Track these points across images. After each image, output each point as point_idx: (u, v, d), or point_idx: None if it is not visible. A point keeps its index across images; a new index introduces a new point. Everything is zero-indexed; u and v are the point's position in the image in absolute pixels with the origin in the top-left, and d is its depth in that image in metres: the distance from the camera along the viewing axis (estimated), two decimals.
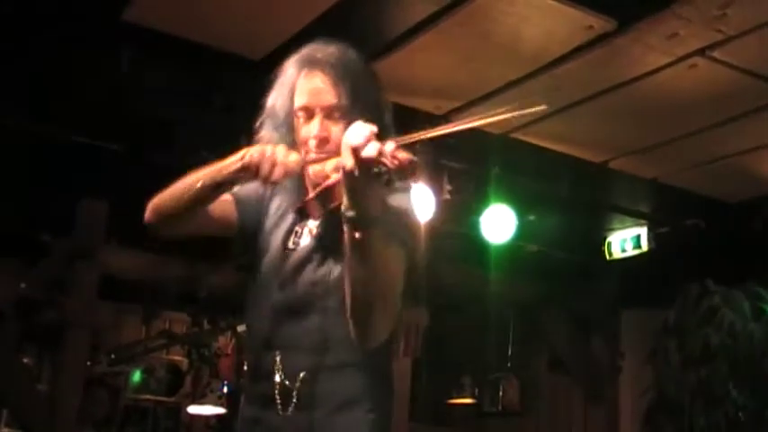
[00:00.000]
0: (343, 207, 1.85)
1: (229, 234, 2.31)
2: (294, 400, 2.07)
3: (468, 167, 5.59)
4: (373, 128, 1.79)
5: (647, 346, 6.69)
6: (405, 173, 1.80)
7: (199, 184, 2.11)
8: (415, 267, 2.08)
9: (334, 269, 2.08)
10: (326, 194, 2.00)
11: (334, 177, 1.94)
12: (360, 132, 1.78)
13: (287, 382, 2.08)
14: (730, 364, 6.05)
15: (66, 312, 4.95)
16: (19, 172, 5.07)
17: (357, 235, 1.84)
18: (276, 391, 2.09)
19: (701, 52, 4.26)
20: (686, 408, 6.18)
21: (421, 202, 5.03)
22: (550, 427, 7.66)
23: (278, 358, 2.10)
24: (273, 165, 1.98)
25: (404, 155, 1.78)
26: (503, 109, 1.91)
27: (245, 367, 2.25)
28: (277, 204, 2.28)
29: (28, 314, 5.12)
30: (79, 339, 5.03)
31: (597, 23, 4.08)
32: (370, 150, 1.75)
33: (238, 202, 2.28)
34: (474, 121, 1.92)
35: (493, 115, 1.90)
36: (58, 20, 4.09)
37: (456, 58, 4.43)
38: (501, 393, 7.85)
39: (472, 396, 8.02)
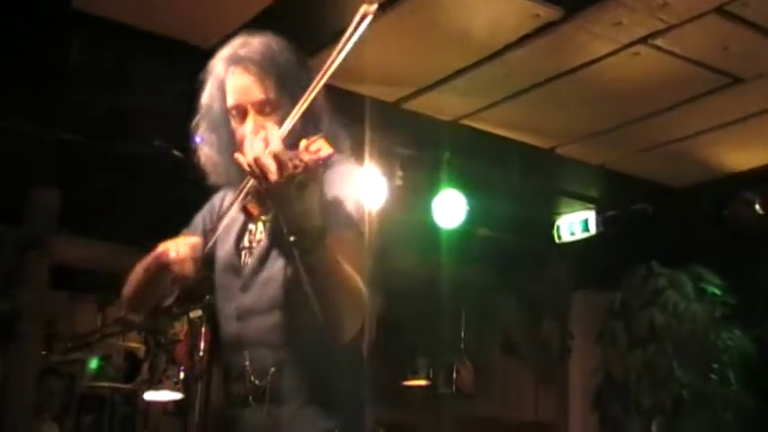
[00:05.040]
0: (285, 233, 1.84)
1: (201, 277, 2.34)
2: (267, 397, 2.07)
3: (419, 154, 5.62)
4: (272, 148, 1.77)
5: (596, 327, 6.77)
6: (315, 172, 1.78)
7: (141, 278, 2.27)
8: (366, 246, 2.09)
9: (288, 266, 2.07)
10: (266, 194, 1.95)
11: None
12: (260, 161, 1.77)
13: (257, 381, 2.09)
14: (674, 343, 6.15)
15: (19, 303, 4.90)
16: None
17: (309, 259, 1.84)
18: (249, 390, 2.10)
19: (644, 40, 4.33)
20: (633, 386, 6.28)
21: (372, 187, 5.05)
22: (503, 407, 7.71)
23: (247, 358, 2.11)
24: (182, 263, 2.14)
25: (307, 155, 1.76)
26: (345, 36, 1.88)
27: (224, 368, 2.23)
28: (224, 216, 2.27)
29: None
30: (32, 329, 4.98)
31: (544, 12, 4.12)
32: (273, 173, 1.74)
33: None
34: (327, 70, 1.90)
35: (343, 46, 1.88)
36: (7, 8, 4.04)
37: (406, 47, 4.45)
38: (455, 375, 7.86)
39: (427, 378, 8.01)
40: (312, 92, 1.93)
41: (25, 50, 4.31)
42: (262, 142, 1.78)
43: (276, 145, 1.75)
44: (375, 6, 1.85)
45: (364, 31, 1.87)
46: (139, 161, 4.97)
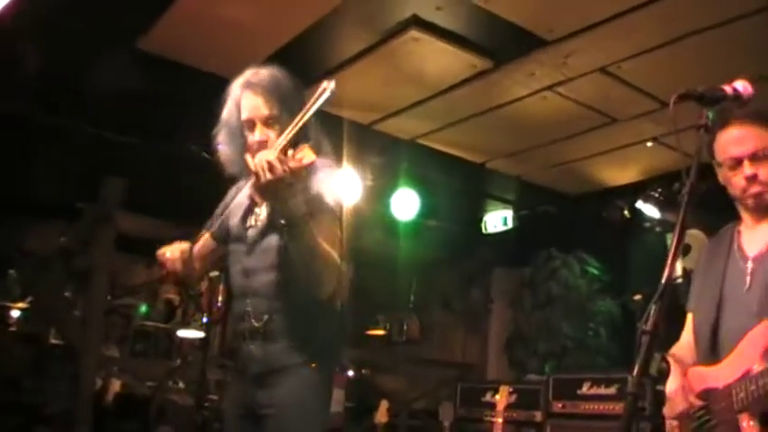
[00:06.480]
0: (278, 217, 1.90)
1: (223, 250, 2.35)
2: (261, 335, 2.08)
3: (384, 162, 5.60)
4: (268, 156, 1.83)
5: (510, 294, 6.85)
6: (299, 174, 1.83)
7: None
8: (342, 228, 2.10)
9: (280, 240, 2.07)
10: (263, 188, 2.01)
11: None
12: (260, 164, 1.83)
13: (255, 323, 2.08)
14: (564, 307, 6.25)
15: (93, 260, 4.88)
16: (67, 159, 4.99)
17: (294, 232, 1.90)
18: (249, 329, 2.10)
19: (550, 88, 4.39)
20: (534, 338, 6.38)
21: (348, 185, 5.03)
22: (440, 351, 7.70)
23: (249, 305, 2.11)
24: (173, 261, 2.17)
25: (294, 163, 1.81)
26: (309, 103, 1.92)
27: (233, 313, 2.23)
28: (236, 200, 2.29)
29: (67, 260, 5.06)
30: (102, 280, 4.95)
31: (479, 63, 4.17)
32: (267, 174, 1.82)
33: (211, 233, 2.34)
34: (303, 117, 1.93)
35: (308, 110, 1.92)
36: (85, 47, 4.01)
37: (377, 83, 4.46)
38: (405, 327, 7.79)
39: (384, 329, 7.97)
40: (293, 129, 1.94)
41: (109, 77, 4.18)
42: (265, 152, 1.86)
43: (271, 155, 1.83)
44: (333, 84, 1.91)
45: (325, 100, 1.91)
46: (180, 159, 4.96)
